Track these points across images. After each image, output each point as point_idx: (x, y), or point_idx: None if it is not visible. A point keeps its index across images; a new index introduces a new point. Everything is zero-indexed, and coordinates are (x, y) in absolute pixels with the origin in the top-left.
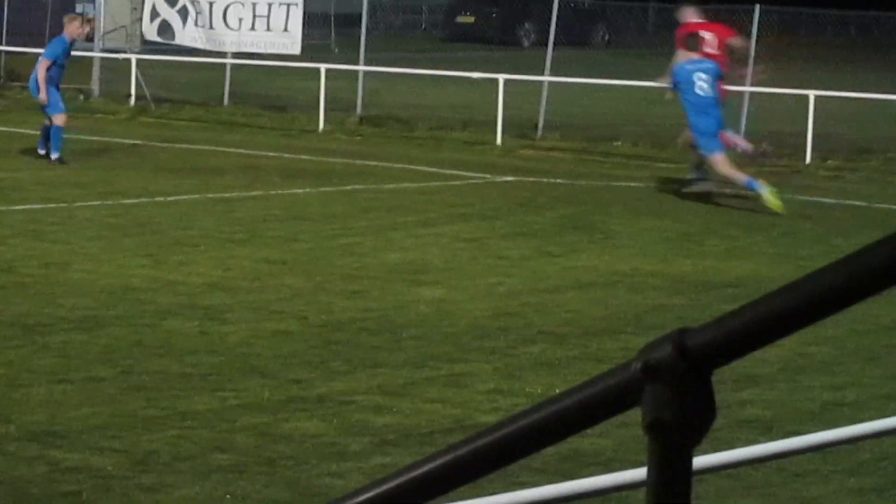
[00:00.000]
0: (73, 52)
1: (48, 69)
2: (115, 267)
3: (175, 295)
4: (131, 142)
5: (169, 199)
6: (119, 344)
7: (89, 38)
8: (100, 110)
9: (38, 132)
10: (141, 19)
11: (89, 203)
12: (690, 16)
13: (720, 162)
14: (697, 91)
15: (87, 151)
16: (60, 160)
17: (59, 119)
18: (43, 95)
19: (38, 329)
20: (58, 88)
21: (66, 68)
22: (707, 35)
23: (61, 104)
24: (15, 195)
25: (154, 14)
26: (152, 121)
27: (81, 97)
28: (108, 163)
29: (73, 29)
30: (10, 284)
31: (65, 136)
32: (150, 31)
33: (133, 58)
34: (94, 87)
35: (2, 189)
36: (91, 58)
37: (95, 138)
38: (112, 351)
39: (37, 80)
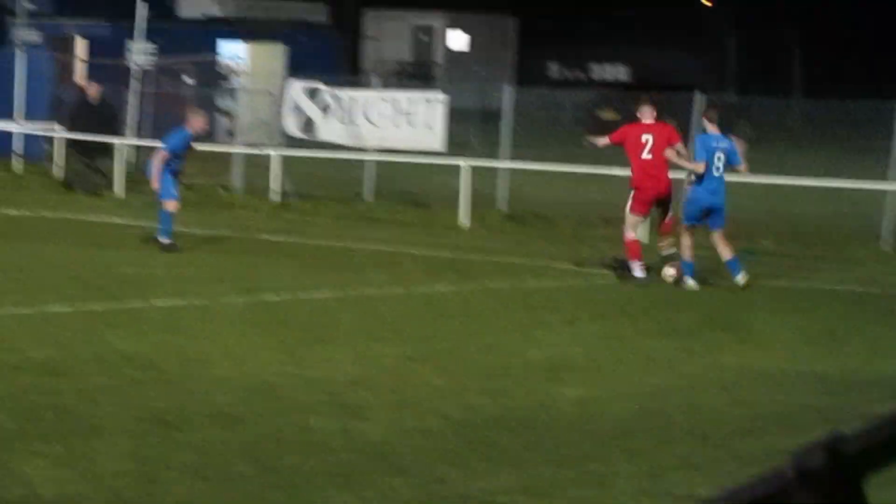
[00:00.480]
0: (213, 148)
1: (166, 160)
2: (256, 363)
3: (316, 392)
4: (273, 237)
5: (310, 295)
6: (259, 441)
7: (230, 133)
8: (241, 205)
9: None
10: (282, 115)
11: (230, 299)
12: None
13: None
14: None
15: (229, 247)
16: (172, 246)
17: (169, 205)
18: (155, 184)
19: (178, 425)
20: (175, 176)
21: (184, 160)
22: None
23: (173, 191)
24: (155, 290)
25: (296, 110)
26: (294, 216)
27: (222, 192)
28: (250, 258)
29: (196, 122)
30: (150, 380)
31: (172, 223)
32: (292, 127)
33: (275, 153)
34: (236, 182)
35: (142, 283)
36: (231, 153)
37: (236, 234)
38: (252, 448)
39: (152, 168)
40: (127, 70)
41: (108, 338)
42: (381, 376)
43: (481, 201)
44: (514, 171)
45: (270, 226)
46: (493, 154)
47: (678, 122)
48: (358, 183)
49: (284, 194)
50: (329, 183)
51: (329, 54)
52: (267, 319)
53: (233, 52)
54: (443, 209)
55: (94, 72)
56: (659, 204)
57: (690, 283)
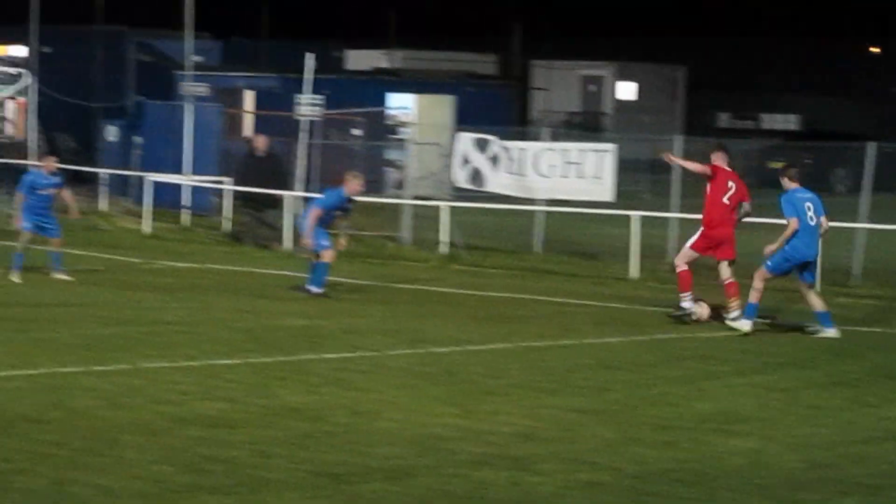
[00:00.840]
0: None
1: (318, 217)
2: (425, 416)
3: (485, 444)
4: (441, 289)
5: (478, 347)
6: (429, 494)
7: (399, 185)
8: (409, 258)
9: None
10: (451, 166)
11: (398, 351)
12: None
13: None
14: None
15: (397, 299)
16: (323, 294)
17: (326, 255)
18: (307, 241)
19: (348, 478)
20: (326, 229)
21: (336, 217)
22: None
23: (326, 241)
24: (324, 342)
25: (464, 161)
26: (462, 268)
27: (391, 244)
28: (418, 310)
29: (353, 186)
30: (320, 433)
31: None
32: (460, 178)
33: (443, 205)
34: (405, 233)
35: (310, 336)
36: (400, 205)
37: (405, 286)
38: (422, 501)
39: (305, 223)
40: (295, 122)
41: (277, 391)
42: (550, 429)
43: (653, 253)
44: (683, 222)
45: (439, 277)
46: (662, 204)
47: (849, 171)
48: (527, 234)
49: (453, 246)
50: (498, 234)
51: (497, 105)
52: (435, 371)
53: (400, 103)
54: (612, 260)
55: (261, 124)
56: (719, 254)
57: (747, 325)
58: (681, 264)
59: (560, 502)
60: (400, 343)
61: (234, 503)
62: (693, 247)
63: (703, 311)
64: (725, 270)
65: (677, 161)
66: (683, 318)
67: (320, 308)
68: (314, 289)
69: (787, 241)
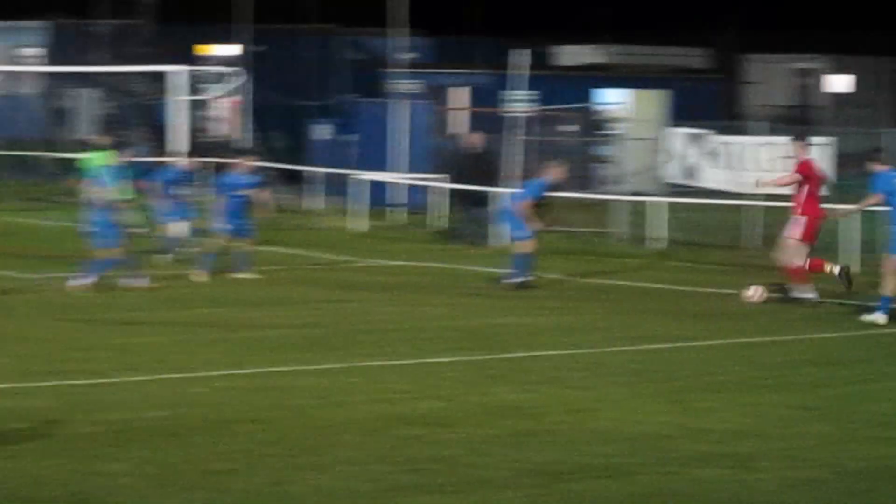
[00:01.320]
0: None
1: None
2: (641, 413)
3: (703, 442)
4: (654, 286)
5: (694, 343)
6: (648, 493)
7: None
8: (622, 254)
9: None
10: (664, 161)
11: (614, 348)
12: None
13: None
14: None
15: (611, 296)
16: (525, 284)
17: (525, 246)
18: (530, 223)
19: (565, 477)
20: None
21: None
22: None
23: (528, 232)
24: (538, 340)
25: (679, 157)
26: (676, 264)
27: (603, 240)
28: (631, 307)
29: (554, 172)
30: (538, 431)
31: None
32: (674, 174)
33: (656, 200)
34: (617, 230)
35: (525, 334)
36: (612, 201)
37: (618, 282)
38: (641, 500)
39: (513, 216)
40: (505, 119)
41: (494, 389)
42: (767, 425)
43: (871, 247)
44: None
45: (652, 274)
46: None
47: None
48: (740, 230)
49: (666, 242)
50: (711, 230)
51: (709, 100)
52: (651, 369)
53: (611, 99)
54: (827, 254)
55: (473, 121)
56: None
57: (882, 318)
58: (795, 260)
59: (781, 500)
60: (615, 340)
61: (452, 502)
62: (803, 239)
63: (757, 293)
64: (802, 255)
65: (771, 182)
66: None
67: (534, 305)
68: (515, 280)
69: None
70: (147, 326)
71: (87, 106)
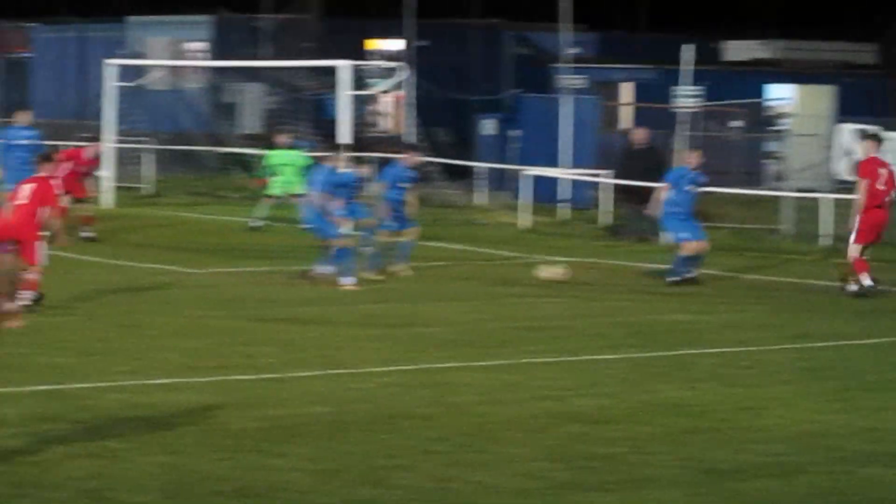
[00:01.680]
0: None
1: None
2: (808, 412)
3: (871, 441)
4: (822, 283)
5: (862, 341)
6: (814, 492)
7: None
8: (790, 251)
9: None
10: (832, 158)
11: (780, 346)
12: None
13: None
14: None
15: (777, 293)
16: (676, 283)
17: (687, 247)
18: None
19: (731, 475)
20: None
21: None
22: None
23: (686, 233)
24: (704, 338)
25: (847, 152)
26: (845, 261)
27: (771, 237)
28: (798, 304)
29: (694, 159)
30: (702, 429)
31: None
32: (842, 170)
33: (825, 196)
34: (785, 226)
35: (689, 331)
36: (780, 197)
37: (785, 279)
38: (808, 499)
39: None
40: (672, 115)
41: (658, 386)
42: None
43: None
44: None
45: (820, 272)
46: None
47: None
48: None
49: (831, 238)
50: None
51: (876, 96)
52: (818, 366)
53: (780, 94)
54: None
55: (638, 117)
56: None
57: None
58: (854, 253)
59: None
60: (781, 338)
61: (615, 500)
62: (858, 240)
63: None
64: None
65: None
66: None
67: (700, 302)
68: (678, 277)
69: None
70: (312, 322)
71: (251, 101)
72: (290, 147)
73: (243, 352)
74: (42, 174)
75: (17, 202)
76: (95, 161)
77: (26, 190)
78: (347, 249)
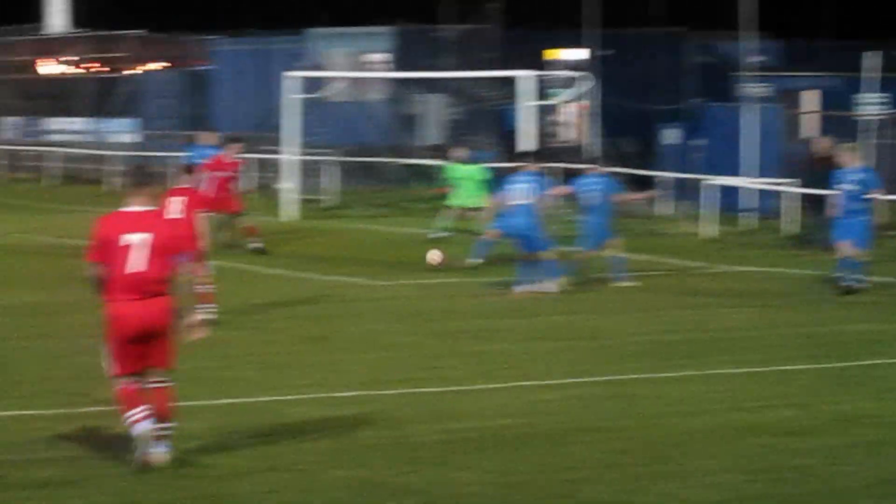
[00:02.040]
0: None
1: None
2: None
3: None
4: None
5: None
6: None
7: None
8: None
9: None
10: None
11: None
12: None
13: None
14: None
15: None
16: (851, 289)
17: (842, 249)
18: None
19: None
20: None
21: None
22: None
23: (845, 235)
24: (892, 348)
25: None
26: None
27: None
28: None
29: (852, 159)
30: (893, 441)
31: None
32: None
33: None
34: None
35: (877, 341)
36: None
37: None
38: None
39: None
40: (855, 123)
41: (847, 396)
42: None
43: None
44: None
45: None
46: None
47: None
48: None
49: None
50: None
51: None
52: None
53: None
54: None
55: (823, 125)
56: None
57: None
58: None
59: None
60: None
61: None
62: None
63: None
64: None
65: None
66: None
67: (885, 312)
68: (846, 284)
69: None
70: (497, 334)
71: (433, 112)
72: (467, 161)
73: (428, 364)
74: (184, 186)
75: (170, 216)
76: (236, 164)
77: (177, 203)
78: (555, 262)
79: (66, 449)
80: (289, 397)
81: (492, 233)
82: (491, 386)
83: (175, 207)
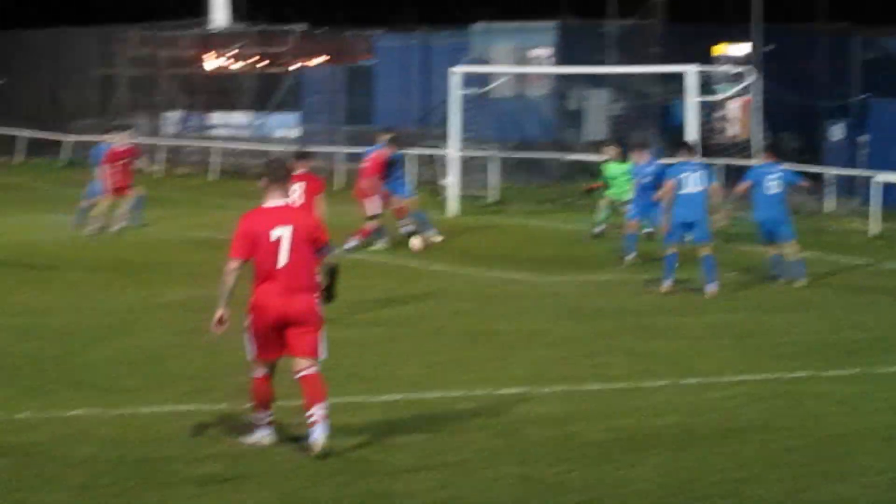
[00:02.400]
0: None
1: None
2: None
3: None
4: None
5: None
6: None
7: None
8: None
9: None
10: None
11: None
12: None
13: None
14: None
15: None
16: None
17: None
18: None
19: None
20: None
21: None
22: None
23: None
24: None
25: None
26: None
27: None
28: None
29: None
30: None
31: None
32: None
33: None
34: None
35: None
36: None
37: None
38: None
39: None
40: None
41: None
42: None
43: None
44: None
45: None
46: None
47: None
48: None
49: None
50: None
51: None
52: None
53: None
54: None
55: None
56: None
57: None
58: None
59: None
60: None
61: None
62: None
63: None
64: None
65: None
66: None
67: None
68: None
69: None
70: (660, 331)
71: (597, 107)
72: (620, 159)
73: (591, 362)
74: (301, 171)
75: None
76: (386, 164)
77: (298, 190)
78: (712, 256)
79: (229, 445)
80: (454, 393)
81: (632, 224)
82: (654, 383)
83: (296, 195)
